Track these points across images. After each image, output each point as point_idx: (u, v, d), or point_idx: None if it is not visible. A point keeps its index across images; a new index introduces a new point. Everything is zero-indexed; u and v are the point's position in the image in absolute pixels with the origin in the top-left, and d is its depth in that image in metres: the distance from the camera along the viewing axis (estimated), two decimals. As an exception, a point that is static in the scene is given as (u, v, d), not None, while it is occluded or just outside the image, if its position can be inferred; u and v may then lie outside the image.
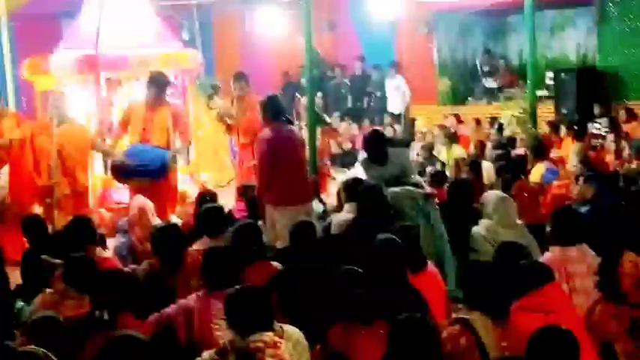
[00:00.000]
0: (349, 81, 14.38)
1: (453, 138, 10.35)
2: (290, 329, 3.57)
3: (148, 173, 7.03)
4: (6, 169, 7.21)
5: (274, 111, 6.19)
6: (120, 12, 8.34)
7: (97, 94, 7.97)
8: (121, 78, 8.32)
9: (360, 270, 3.95)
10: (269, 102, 6.27)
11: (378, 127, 6.82)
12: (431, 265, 4.72)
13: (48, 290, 4.32)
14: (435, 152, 10.04)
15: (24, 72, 8.42)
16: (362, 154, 6.62)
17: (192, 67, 8.83)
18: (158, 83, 7.28)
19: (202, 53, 9.50)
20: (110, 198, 8.04)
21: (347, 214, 5.63)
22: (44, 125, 7.20)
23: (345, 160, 11.16)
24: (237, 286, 3.59)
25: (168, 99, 7.61)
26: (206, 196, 6.36)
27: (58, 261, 4.71)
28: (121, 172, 7.20)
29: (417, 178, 6.29)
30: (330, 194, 7.98)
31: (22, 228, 5.64)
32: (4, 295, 4.10)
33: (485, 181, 7.83)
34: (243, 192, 6.74)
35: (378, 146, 6.04)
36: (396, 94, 13.30)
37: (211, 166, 9.89)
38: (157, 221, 6.03)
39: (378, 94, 13.75)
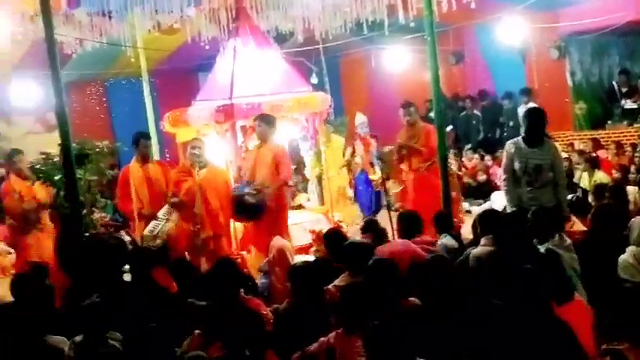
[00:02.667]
0: (480, 111, 14.17)
1: (594, 163, 9.93)
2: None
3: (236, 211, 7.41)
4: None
5: None
6: (252, 62, 8.67)
7: (233, 142, 8.28)
8: (255, 125, 8.59)
9: (502, 303, 3.86)
10: None
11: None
12: (578, 295, 4.53)
13: (196, 332, 4.49)
14: (574, 179, 9.68)
15: (165, 124, 8.80)
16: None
17: (322, 110, 8.99)
18: (267, 121, 7.69)
19: (331, 94, 9.68)
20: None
21: (484, 247, 5.51)
22: (187, 171, 7.58)
23: (480, 192, 10.96)
24: (376, 322, 3.59)
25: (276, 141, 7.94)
26: (336, 233, 6.43)
27: (203, 303, 4.90)
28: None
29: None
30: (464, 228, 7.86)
31: (169, 271, 5.93)
32: (168, 342, 4.31)
33: (631, 206, 7.45)
34: (367, 228, 6.73)
35: (538, 123, 6.26)
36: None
37: (341, 206, 10.03)
38: (295, 260, 6.15)
39: (511, 123, 13.44)
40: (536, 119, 6.53)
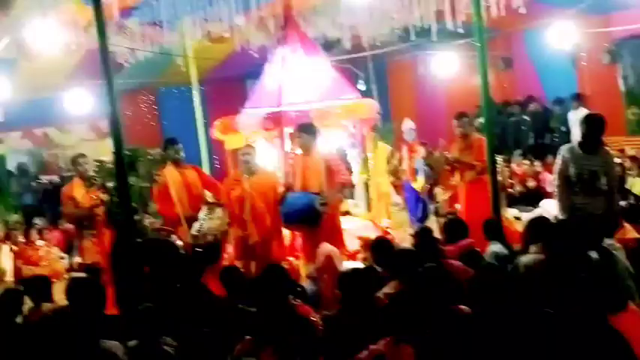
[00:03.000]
0: (529, 117, 14.00)
1: (648, 169, 9.75)
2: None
3: (301, 219, 7.37)
4: None
5: None
6: (300, 69, 8.73)
7: (281, 148, 8.34)
8: (295, 135, 8.64)
9: (553, 312, 3.81)
10: None
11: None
12: (632, 304, 4.44)
13: (247, 337, 4.53)
14: (626, 185, 9.49)
15: (215, 132, 8.93)
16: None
17: (369, 116, 9.00)
18: (308, 131, 7.68)
19: (378, 101, 9.67)
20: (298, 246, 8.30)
21: (534, 255, 5.45)
22: (237, 179, 7.67)
23: (529, 198, 10.82)
24: (427, 331, 3.58)
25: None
26: (383, 242, 6.42)
27: (253, 309, 4.94)
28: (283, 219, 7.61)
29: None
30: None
31: (219, 278, 6.00)
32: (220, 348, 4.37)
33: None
34: (418, 235, 6.70)
35: (596, 130, 6.19)
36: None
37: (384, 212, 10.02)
38: (344, 267, 6.16)
39: (563, 128, 13.25)
40: (595, 126, 6.40)
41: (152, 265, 5.69)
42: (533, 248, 5.54)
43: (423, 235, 6.57)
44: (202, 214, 7.79)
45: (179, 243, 7.31)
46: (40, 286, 5.97)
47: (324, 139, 8.44)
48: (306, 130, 7.79)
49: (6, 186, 13.29)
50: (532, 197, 10.83)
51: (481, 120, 9.51)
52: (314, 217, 7.41)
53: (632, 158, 10.73)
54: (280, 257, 7.56)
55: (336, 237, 7.54)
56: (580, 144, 6.38)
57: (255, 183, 7.63)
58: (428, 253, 5.99)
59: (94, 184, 6.59)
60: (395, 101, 15.86)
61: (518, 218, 9.11)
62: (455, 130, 8.50)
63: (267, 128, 8.30)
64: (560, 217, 6.43)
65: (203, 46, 10.77)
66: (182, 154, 8.00)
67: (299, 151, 8.02)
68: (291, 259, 7.97)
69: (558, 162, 6.54)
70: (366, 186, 9.52)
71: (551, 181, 10.51)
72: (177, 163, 7.91)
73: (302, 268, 7.57)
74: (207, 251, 7.20)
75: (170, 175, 7.60)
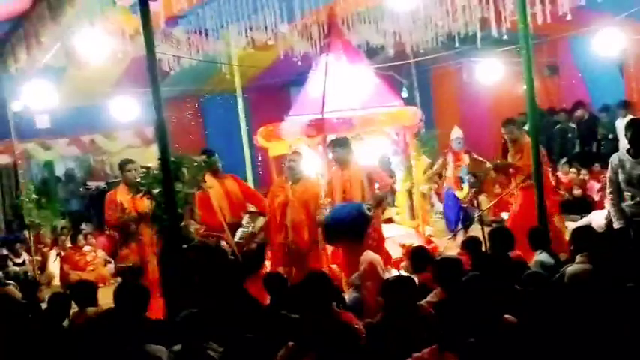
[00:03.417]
0: (575, 124, 13.80)
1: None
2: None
3: (350, 228, 7.38)
4: None
5: None
6: (343, 76, 8.75)
7: (324, 156, 8.36)
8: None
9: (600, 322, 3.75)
10: None
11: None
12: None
13: (289, 343, 4.54)
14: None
15: (259, 139, 8.99)
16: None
17: (412, 124, 8.97)
18: (341, 145, 7.73)
19: (421, 108, 9.64)
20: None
21: (580, 264, 5.37)
22: (281, 186, 7.71)
23: (576, 207, 10.66)
24: (471, 339, 3.56)
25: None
26: (420, 250, 6.41)
27: (295, 315, 4.96)
28: (327, 234, 7.60)
29: None
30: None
31: (263, 284, 6.04)
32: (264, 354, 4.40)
33: None
34: (467, 244, 6.67)
35: None
36: (627, 136, 12.49)
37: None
38: (387, 275, 6.15)
39: (610, 136, 13.02)
40: (639, 127, 6.31)
41: (201, 270, 5.75)
42: (578, 258, 5.47)
43: (470, 243, 6.56)
44: (245, 221, 7.87)
45: (226, 248, 7.36)
46: (85, 291, 6.07)
47: (367, 146, 8.44)
48: (340, 144, 7.81)
49: (54, 192, 13.56)
50: (579, 206, 10.66)
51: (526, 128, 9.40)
52: (362, 224, 7.39)
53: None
54: (318, 267, 7.52)
55: (379, 246, 7.49)
56: (628, 150, 6.29)
57: (297, 191, 7.65)
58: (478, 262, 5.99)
59: (141, 190, 6.66)
60: (438, 109, 15.78)
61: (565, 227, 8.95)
62: (504, 136, 8.41)
63: (310, 135, 8.32)
64: (615, 226, 6.34)
65: (247, 54, 10.86)
66: (219, 164, 8.08)
67: (335, 167, 8.01)
68: (333, 266, 7.98)
69: (609, 170, 6.48)
70: (409, 194, 9.48)
71: (597, 189, 10.38)
72: (215, 172, 7.97)
73: (343, 278, 7.56)
74: (251, 258, 7.26)
75: (210, 183, 7.68)
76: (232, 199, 7.98)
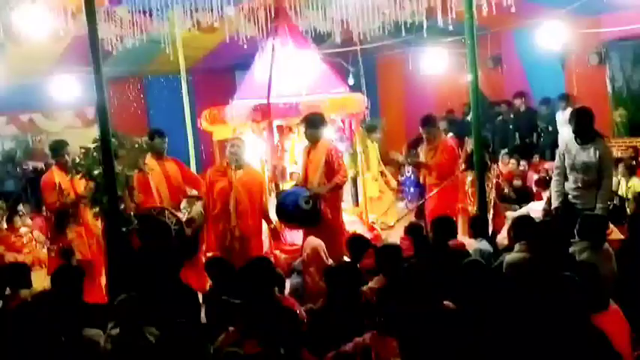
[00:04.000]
0: (515, 116, 14.05)
1: (632, 169, 9.79)
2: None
3: (293, 219, 7.43)
4: None
5: None
6: (289, 62, 8.69)
7: (270, 141, 8.30)
8: (291, 124, 8.62)
9: (536, 310, 3.83)
10: None
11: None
12: (613, 304, 4.47)
13: (231, 328, 4.52)
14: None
15: (202, 122, 8.85)
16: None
17: (358, 111, 8.99)
18: (312, 124, 7.60)
19: (367, 96, 9.66)
20: (284, 240, 8.28)
21: (518, 253, 5.48)
22: (222, 171, 7.60)
23: (515, 197, 10.86)
24: (412, 326, 3.59)
25: (327, 140, 7.82)
26: (357, 239, 6.48)
27: (237, 301, 4.92)
28: (280, 216, 7.61)
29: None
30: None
31: (205, 269, 5.98)
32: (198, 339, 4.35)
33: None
34: (410, 230, 6.73)
35: (585, 120, 6.57)
36: (568, 128, 12.77)
37: (377, 208, 10.02)
38: (330, 261, 6.16)
39: (550, 128, 13.31)
40: (582, 116, 6.70)
41: (142, 245, 5.68)
42: (517, 246, 5.58)
43: (412, 230, 6.63)
44: (182, 206, 7.73)
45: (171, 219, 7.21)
46: (18, 273, 5.90)
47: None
48: (309, 123, 7.64)
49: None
50: (518, 196, 10.86)
51: (469, 118, 9.53)
52: (302, 217, 7.36)
53: (618, 159, 10.77)
54: (260, 253, 7.45)
55: (336, 238, 7.34)
56: (575, 138, 6.63)
57: (241, 179, 7.50)
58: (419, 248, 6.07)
59: (80, 171, 6.50)
60: (384, 96, 15.87)
61: (505, 217, 9.11)
62: (422, 135, 8.45)
63: (256, 120, 8.25)
64: (554, 205, 6.78)
65: (192, 36, 10.70)
66: (164, 146, 7.93)
67: (287, 145, 7.96)
68: (277, 252, 7.96)
69: (557, 154, 6.94)
70: (354, 181, 9.51)
71: (535, 180, 10.60)
72: (159, 154, 7.82)
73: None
74: (187, 243, 7.15)
75: (150, 165, 7.53)
76: (172, 183, 7.82)
